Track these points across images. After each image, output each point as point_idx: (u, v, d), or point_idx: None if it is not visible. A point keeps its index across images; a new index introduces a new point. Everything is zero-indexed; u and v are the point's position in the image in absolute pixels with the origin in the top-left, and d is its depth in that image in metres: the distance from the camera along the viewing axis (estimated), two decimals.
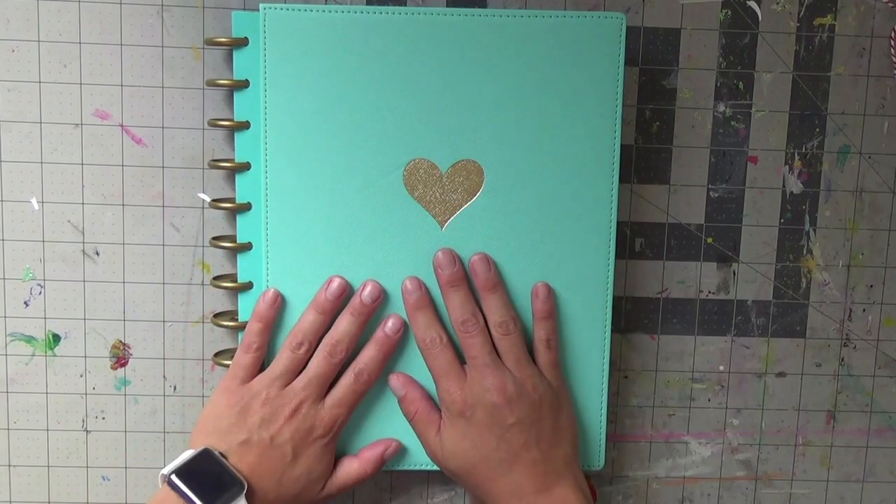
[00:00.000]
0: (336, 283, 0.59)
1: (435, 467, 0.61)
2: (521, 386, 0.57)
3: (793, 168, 0.65)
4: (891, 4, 0.63)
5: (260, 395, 0.58)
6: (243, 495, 0.55)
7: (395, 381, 0.60)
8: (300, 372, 0.59)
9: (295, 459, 0.58)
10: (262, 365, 0.60)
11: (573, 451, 0.59)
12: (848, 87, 0.64)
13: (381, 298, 0.59)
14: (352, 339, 0.59)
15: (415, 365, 0.61)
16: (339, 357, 0.58)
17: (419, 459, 0.62)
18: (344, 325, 0.59)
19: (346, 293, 0.59)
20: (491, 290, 0.59)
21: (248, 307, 0.61)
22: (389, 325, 0.59)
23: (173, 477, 0.54)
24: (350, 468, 0.60)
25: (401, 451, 0.61)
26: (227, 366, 0.62)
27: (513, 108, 0.59)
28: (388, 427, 0.61)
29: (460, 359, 0.59)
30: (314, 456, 0.58)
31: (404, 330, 0.60)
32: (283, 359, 0.59)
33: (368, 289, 0.59)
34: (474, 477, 0.58)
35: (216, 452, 0.56)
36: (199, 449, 0.56)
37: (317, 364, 0.58)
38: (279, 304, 0.59)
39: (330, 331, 0.59)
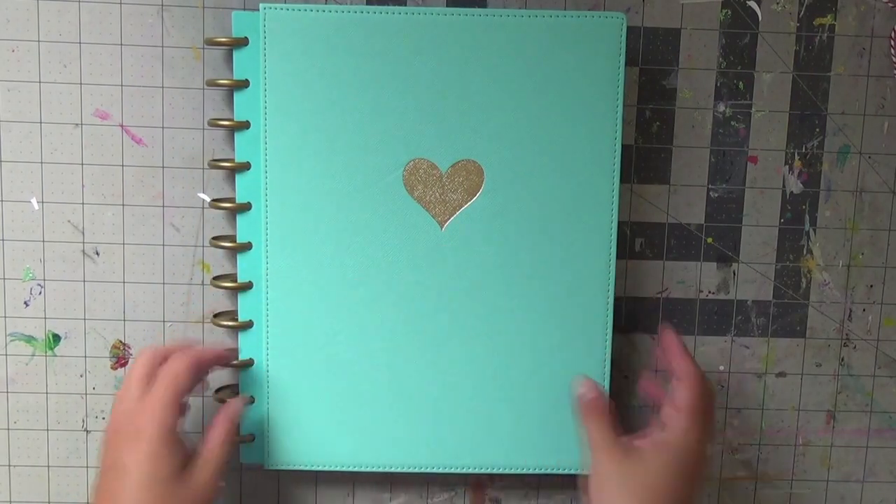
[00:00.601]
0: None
1: (436, 469, 0.61)
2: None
3: (793, 168, 0.65)
4: (891, 4, 0.63)
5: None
6: None
7: (581, 386, 0.60)
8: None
9: (124, 473, 0.54)
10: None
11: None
12: (848, 87, 0.64)
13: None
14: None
15: (416, 351, 0.61)
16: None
17: (419, 460, 0.62)
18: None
19: (238, 420, 0.60)
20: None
21: (248, 307, 0.61)
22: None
23: None
24: (210, 438, 0.57)
25: (403, 450, 0.61)
26: (232, 365, 0.62)
27: (513, 108, 0.59)
28: (388, 420, 0.61)
29: None
30: (139, 462, 0.54)
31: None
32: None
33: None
34: None
35: None
36: None
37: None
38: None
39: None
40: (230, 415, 0.58)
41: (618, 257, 0.61)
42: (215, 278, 0.62)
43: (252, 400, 0.61)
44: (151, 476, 0.54)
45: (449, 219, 0.60)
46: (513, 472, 0.62)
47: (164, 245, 0.63)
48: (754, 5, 0.63)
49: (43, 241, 0.63)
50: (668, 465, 0.55)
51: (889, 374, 0.67)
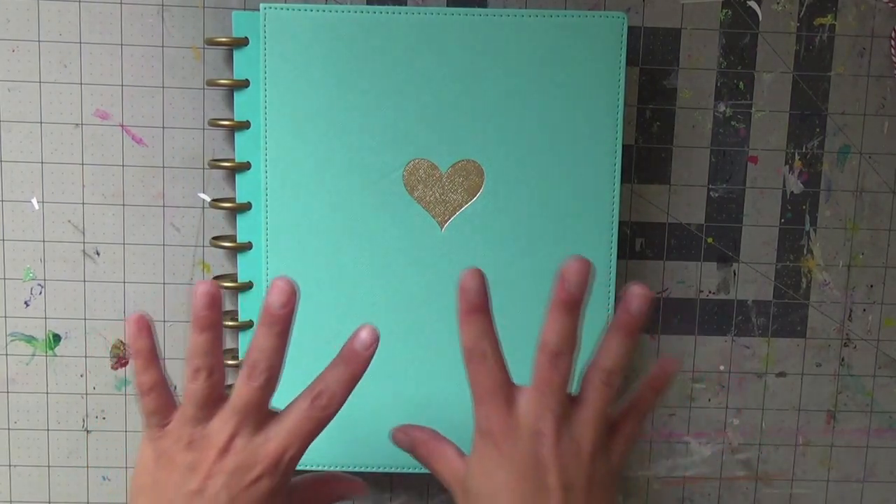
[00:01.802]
0: (200, 290, 0.47)
1: None
2: (579, 448, 0.47)
3: (793, 168, 0.65)
4: (891, 4, 0.63)
5: (182, 439, 0.47)
6: None
7: (397, 436, 0.53)
8: (223, 401, 0.48)
9: None
10: (172, 401, 0.50)
11: None
12: (848, 87, 0.64)
13: (295, 303, 0.47)
14: (272, 355, 0.47)
15: (416, 352, 0.61)
16: (262, 379, 0.47)
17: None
18: (258, 340, 0.47)
19: (219, 301, 0.47)
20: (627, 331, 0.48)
21: (249, 307, 0.61)
22: (360, 338, 0.48)
23: None
24: (313, 490, 0.52)
25: (398, 450, 0.61)
26: (228, 365, 0.62)
27: (513, 107, 0.59)
28: (388, 419, 0.62)
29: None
30: (259, 502, 0.47)
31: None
32: (188, 393, 0.48)
33: (274, 296, 0.47)
34: None
35: None
36: None
37: (237, 391, 0.47)
38: (149, 328, 0.48)
39: (247, 347, 0.49)
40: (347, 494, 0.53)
41: (618, 257, 0.62)
42: (215, 278, 0.62)
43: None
44: None
45: (449, 219, 0.60)
46: None
47: (164, 245, 0.63)
48: (754, 5, 0.63)
49: (43, 240, 0.63)
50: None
51: (889, 374, 0.67)
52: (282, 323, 0.47)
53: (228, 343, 0.64)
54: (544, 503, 0.45)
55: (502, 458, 0.46)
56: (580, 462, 0.46)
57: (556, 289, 0.46)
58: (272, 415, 0.49)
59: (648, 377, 0.51)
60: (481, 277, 0.47)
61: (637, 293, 0.47)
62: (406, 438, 0.53)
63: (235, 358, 0.62)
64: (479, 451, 0.48)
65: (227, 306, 0.64)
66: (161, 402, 0.48)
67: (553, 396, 0.47)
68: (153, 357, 0.48)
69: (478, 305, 0.47)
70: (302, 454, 0.48)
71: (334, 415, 0.48)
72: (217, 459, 0.47)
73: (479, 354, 0.47)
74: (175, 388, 0.64)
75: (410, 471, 0.62)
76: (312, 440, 0.48)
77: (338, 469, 0.62)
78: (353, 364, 0.48)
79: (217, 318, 0.47)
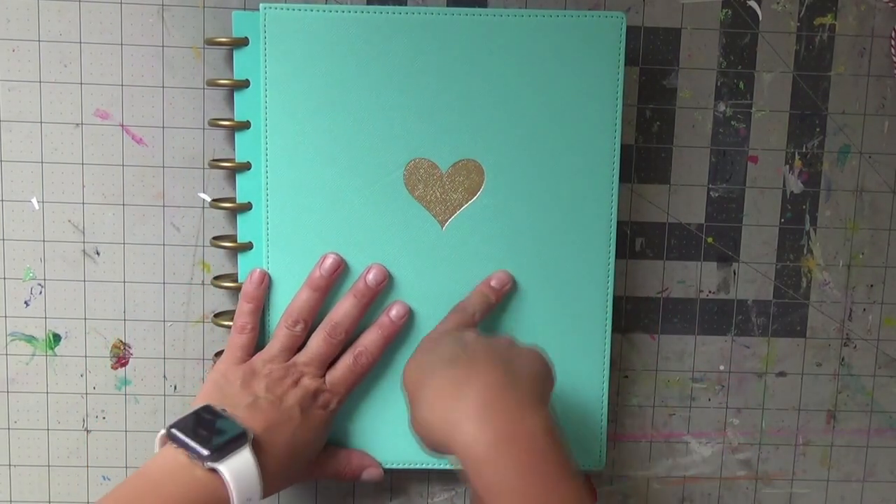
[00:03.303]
0: (330, 259, 0.59)
1: (436, 465, 0.61)
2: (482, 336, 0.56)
3: (793, 168, 0.65)
4: (891, 4, 0.63)
5: (261, 372, 0.57)
6: (248, 446, 0.52)
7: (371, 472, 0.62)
8: (297, 350, 0.59)
9: (304, 421, 0.56)
10: (256, 347, 0.59)
11: (544, 389, 0.52)
12: (848, 86, 0.64)
13: (385, 282, 0.59)
14: (352, 322, 0.59)
15: None
16: (339, 338, 0.58)
17: (419, 459, 0.62)
18: (346, 307, 0.59)
19: (341, 270, 0.59)
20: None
21: None
22: (394, 311, 0.59)
23: (173, 430, 0.52)
24: (335, 457, 0.60)
25: (403, 450, 0.61)
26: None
27: (513, 107, 0.59)
28: (389, 417, 0.61)
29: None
30: (320, 422, 0.58)
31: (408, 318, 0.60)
32: (279, 337, 0.59)
33: (373, 272, 0.59)
34: (425, 400, 0.51)
35: (218, 408, 0.54)
36: (199, 405, 0.55)
37: (317, 343, 0.58)
38: (267, 284, 0.59)
39: (331, 312, 0.59)
40: (365, 474, 0.62)
41: (618, 257, 0.62)
42: (215, 278, 0.62)
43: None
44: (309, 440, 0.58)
45: (449, 218, 0.60)
46: None
47: (164, 245, 0.63)
48: (755, 5, 0.63)
49: (43, 240, 0.63)
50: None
51: (889, 373, 0.67)
52: (370, 298, 0.59)
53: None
54: (464, 342, 0.54)
55: (432, 350, 0.55)
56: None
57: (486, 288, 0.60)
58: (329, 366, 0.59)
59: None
60: (510, 278, 0.60)
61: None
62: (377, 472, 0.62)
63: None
64: (417, 350, 0.57)
65: (228, 305, 0.64)
66: (251, 342, 0.59)
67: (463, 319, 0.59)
68: (260, 307, 0.59)
69: (498, 294, 0.60)
70: (345, 399, 0.59)
71: (369, 369, 0.59)
72: (291, 386, 0.57)
73: (464, 309, 0.59)
74: (175, 388, 0.64)
75: (411, 468, 0.62)
76: (353, 389, 0.60)
77: None
78: (387, 330, 0.59)
79: (329, 284, 0.59)
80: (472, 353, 0.52)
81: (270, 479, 0.54)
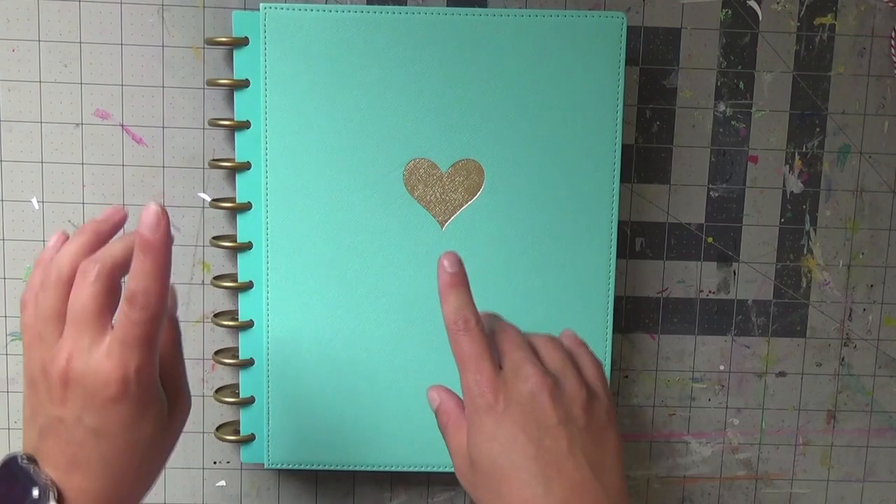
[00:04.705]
0: (53, 240, 0.48)
1: (436, 468, 0.61)
2: (562, 381, 0.47)
3: (793, 168, 0.65)
4: (891, 4, 0.63)
5: (39, 364, 0.46)
6: None
7: (431, 393, 0.51)
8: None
9: (102, 438, 0.44)
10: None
11: (624, 484, 0.47)
12: (848, 86, 0.64)
13: (166, 227, 0.43)
14: (72, 259, 0.45)
15: (417, 351, 0.61)
16: (51, 287, 0.45)
17: (420, 459, 0.62)
18: (68, 247, 0.46)
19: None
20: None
21: (249, 307, 0.61)
22: (144, 222, 0.43)
23: None
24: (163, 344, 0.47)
25: (403, 450, 0.61)
26: (228, 365, 0.62)
27: (513, 107, 0.59)
28: (389, 419, 0.61)
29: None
30: (128, 422, 0.44)
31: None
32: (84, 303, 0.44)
33: (147, 217, 0.43)
34: (506, 495, 0.45)
35: (21, 457, 0.45)
36: (3, 460, 0.45)
37: (74, 295, 0.44)
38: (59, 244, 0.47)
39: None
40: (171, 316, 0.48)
41: (618, 257, 0.62)
42: (215, 278, 0.62)
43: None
44: (144, 440, 0.45)
45: (449, 218, 0.60)
46: None
47: None
48: (755, 5, 0.63)
49: (43, 240, 0.63)
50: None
51: (889, 373, 0.67)
52: (92, 233, 0.46)
53: (228, 342, 0.64)
54: (552, 443, 0.45)
55: (500, 417, 0.46)
56: (570, 392, 0.47)
57: (440, 275, 0.49)
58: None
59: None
60: (458, 256, 0.49)
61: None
62: (436, 399, 0.51)
63: (236, 357, 0.62)
64: (475, 419, 0.47)
65: (228, 305, 0.64)
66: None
67: (521, 344, 0.49)
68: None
69: (457, 279, 0.48)
70: (154, 362, 0.45)
71: (161, 312, 0.44)
72: (63, 383, 0.44)
73: (462, 323, 0.48)
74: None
75: (410, 469, 0.62)
76: (154, 347, 0.44)
77: (337, 469, 0.62)
78: (153, 251, 0.43)
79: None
80: (554, 442, 0.46)
81: None
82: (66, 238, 0.47)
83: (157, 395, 0.46)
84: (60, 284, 0.45)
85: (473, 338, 0.48)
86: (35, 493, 0.42)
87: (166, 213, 0.43)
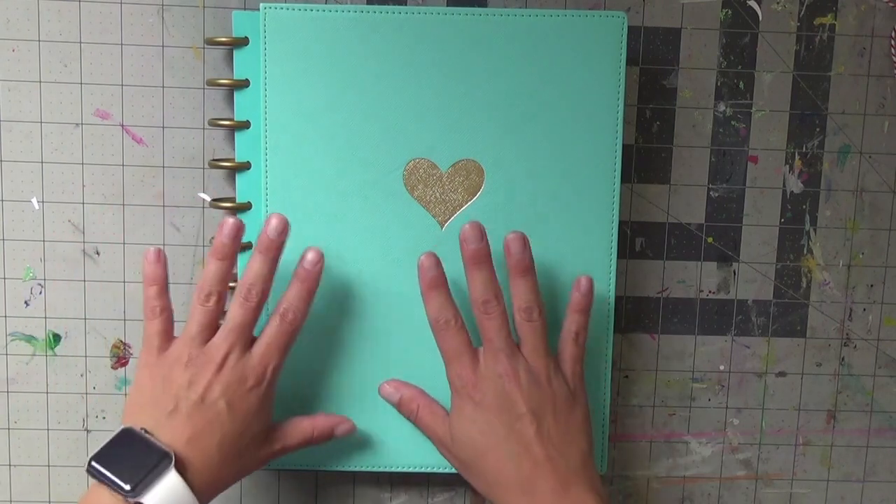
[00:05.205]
0: (229, 223, 0.55)
1: (436, 468, 0.61)
2: (536, 376, 0.55)
3: (793, 168, 0.65)
4: (891, 4, 0.63)
5: (181, 359, 0.54)
6: (171, 467, 0.50)
7: (386, 388, 0.60)
8: (219, 326, 0.56)
9: (231, 415, 0.54)
10: (173, 329, 0.57)
11: (589, 452, 0.56)
12: (848, 86, 0.64)
13: (288, 232, 0.55)
14: (265, 280, 0.55)
15: (417, 351, 0.61)
16: (255, 301, 0.55)
17: (420, 460, 0.62)
18: (255, 266, 0.55)
19: (241, 234, 0.56)
20: (522, 273, 0.56)
21: None
22: (308, 258, 0.56)
23: (94, 463, 0.51)
24: (299, 426, 0.58)
25: (403, 450, 0.61)
26: None
27: (513, 107, 0.59)
28: (389, 419, 0.61)
29: (474, 342, 0.57)
30: (252, 409, 0.54)
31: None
32: (195, 315, 0.55)
33: (273, 223, 0.55)
34: (483, 469, 0.55)
35: (138, 429, 0.52)
36: (118, 430, 0.52)
37: (233, 313, 0.55)
38: (164, 261, 0.56)
39: (241, 276, 0.56)
40: (338, 430, 0.60)
41: (618, 257, 0.62)
42: None
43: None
44: (253, 434, 0.56)
45: (449, 218, 0.60)
46: None
47: (164, 245, 0.63)
48: (755, 5, 0.63)
49: (43, 240, 0.63)
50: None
51: (889, 373, 0.67)
52: (276, 250, 0.55)
53: None
54: (520, 428, 0.55)
55: (478, 405, 0.55)
56: (539, 387, 0.55)
57: (462, 250, 0.56)
58: (255, 338, 0.56)
59: (570, 302, 0.58)
60: (436, 258, 0.56)
61: (511, 238, 0.56)
62: (395, 393, 0.60)
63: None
64: (458, 404, 0.57)
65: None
66: (167, 325, 0.56)
67: (498, 340, 0.56)
68: (165, 284, 0.56)
69: (437, 281, 0.56)
70: (282, 365, 0.56)
71: (301, 327, 0.56)
72: (215, 373, 0.54)
73: (444, 322, 0.56)
74: None
75: (410, 470, 0.62)
76: (288, 352, 0.56)
77: (337, 469, 0.62)
78: (307, 281, 0.56)
79: (235, 250, 0.56)
80: (523, 426, 0.55)
81: (207, 488, 0.53)
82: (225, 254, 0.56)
83: (273, 399, 0.57)
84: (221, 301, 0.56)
85: (454, 335, 0.56)
86: (154, 456, 0.51)
87: (322, 255, 0.56)
